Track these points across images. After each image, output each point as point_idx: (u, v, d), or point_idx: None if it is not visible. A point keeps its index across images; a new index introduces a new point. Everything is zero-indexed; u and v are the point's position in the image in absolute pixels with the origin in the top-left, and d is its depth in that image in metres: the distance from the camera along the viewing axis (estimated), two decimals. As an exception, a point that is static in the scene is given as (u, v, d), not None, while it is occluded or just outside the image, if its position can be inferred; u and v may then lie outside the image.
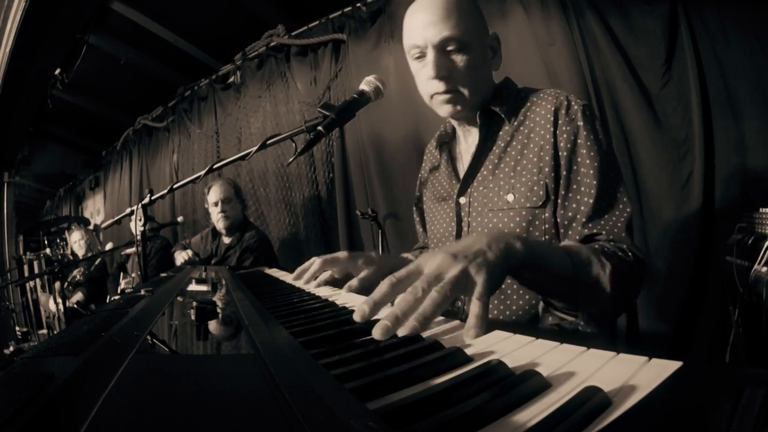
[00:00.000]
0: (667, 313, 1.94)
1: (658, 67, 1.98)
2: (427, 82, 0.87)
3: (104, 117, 5.04)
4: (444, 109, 0.90)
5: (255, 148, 1.13)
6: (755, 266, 1.35)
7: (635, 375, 0.29)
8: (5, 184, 5.47)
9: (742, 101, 1.85)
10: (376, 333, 0.44)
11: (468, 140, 0.98)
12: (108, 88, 4.49)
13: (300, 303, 0.73)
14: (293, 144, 1.06)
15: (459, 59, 0.85)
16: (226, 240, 2.40)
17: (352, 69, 2.80)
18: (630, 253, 0.76)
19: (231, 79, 3.72)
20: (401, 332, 0.45)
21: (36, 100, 4.22)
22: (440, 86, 0.86)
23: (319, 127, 0.96)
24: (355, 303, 0.66)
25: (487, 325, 0.46)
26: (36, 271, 5.07)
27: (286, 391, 0.27)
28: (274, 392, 0.27)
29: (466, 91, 0.87)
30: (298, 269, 0.98)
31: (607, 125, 2.06)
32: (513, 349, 0.38)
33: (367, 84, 1.01)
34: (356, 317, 0.49)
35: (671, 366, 0.29)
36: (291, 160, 1.01)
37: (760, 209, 1.46)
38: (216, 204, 2.33)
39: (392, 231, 2.69)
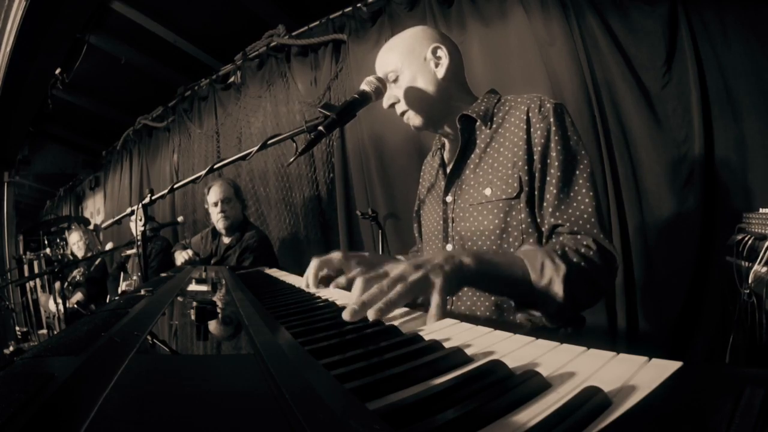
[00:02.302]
0: (667, 313, 1.94)
1: (658, 67, 1.98)
2: (388, 110, 1.07)
3: (104, 117, 5.03)
4: (410, 125, 1.06)
5: (255, 149, 1.13)
6: (755, 266, 1.35)
7: (635, 375, 0.29)
8: (5, 184, 5.46)
9: (742, 101, 1.84)
10: (345, 315, 0.54)
11: (453, 146, 1.08)
12: (108, 88, 4.48)
13: (300, 303, 0.73)
14: (294, 144, 1.06)
15: (398, 85, 1.02)
16: (226, 240, 2.40)
17: (352, 69, 2.80)
18: (594, 248, 0.81)
19: (231, 79, 3.72)
20: (370, 314, 0.54)
21: (36, 100, 4.21)
22: (396, 110, 1.05)
23: (320, 127, 0.96)
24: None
25: (444, 314, 0.56)
26: (36, 271, 5.07)
27: (286, 391, 0.27)
28: (274, 392, 0.27)
29: (412, 107, 1.02)
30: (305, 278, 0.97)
31: (607, 125, 2.07)
32: (513, 349, 0.38)
33: (367, 84, 1.01)
34: (345, 317, 0.55)
35: (671, 366, 0.29)
36: (291, 160, 1.01)
37: (760, 209, 1.46)
38: (216, 204, 2.33)
39: (392, 231, 2.69)
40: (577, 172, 0.88)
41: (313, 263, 0.92)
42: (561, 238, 0.85)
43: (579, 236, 0.84)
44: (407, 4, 2.58)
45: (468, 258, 0.68)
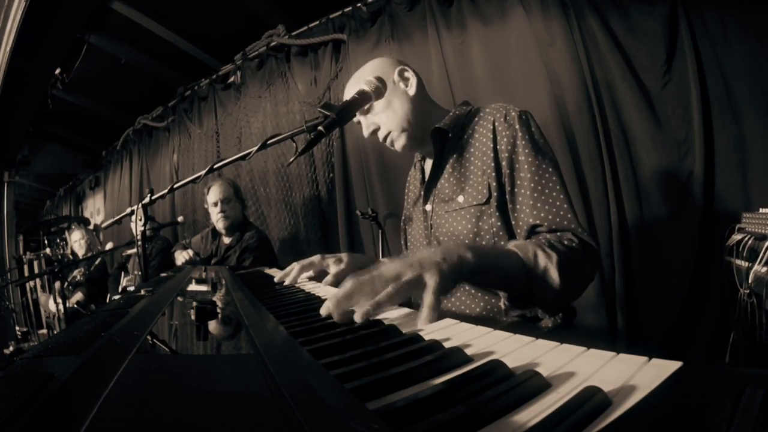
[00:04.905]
0: (667, 313, 1.94)
1: (658, 67, 1.98)
2: (370, 138, 1.10)
3: (104, 117, 5.03)
4: (395, 148, 1.08)
5: (255, 148, 1.13)
6: (755, 266, 1.35)
7: (635, 375, 0.29)
8: (5, 184, 5.45)
9: (742, 101, 1.84)
10: (333, 309, 0.55)
11: (429, 158, 1.12)
12: (108, 88, 4.48)
13: (300, 303, 0.73)
14: (294, 144, 1.06)
15: (374, 112, 1.06)
16: (226, 240, 2.40)
17: (352, 69, 2.80)
18: (576, 240, 0.84)
19: (231, 79, 3.72)
20: (356, 317, 0.54)
21: (36, 100, 4.20)
22: (379, 137, 1.08)
23: (320, 127, 0.95)
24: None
25: (438, 316, 0.55)
26: (36, 271, 5.07)
27: (286, 391, 0.27)
28: (274, 392, 0.27)
29: (394, 129, 1.05)
30: (281, 274, 1.09)
31: (607, 125, 2.06)
32: (513, 349, 0.38)
33: (367, 84, 1.01)
34: (322, 312, 0.56)
35: (671, 366, 0.29)
36: (291, 160, 1.01)
37: (760, 209, 1.46)
38: (215, 204, 2.33)
39: (392, 231, 2.69)
40: (548, 174, 0.91)
41: (296, 266, 1.05)
42: (541, 237, 0.88)
43: (559, 233, 0.87)
44: (407, 4, 2.58)
45: (467, 252, 0.68)
